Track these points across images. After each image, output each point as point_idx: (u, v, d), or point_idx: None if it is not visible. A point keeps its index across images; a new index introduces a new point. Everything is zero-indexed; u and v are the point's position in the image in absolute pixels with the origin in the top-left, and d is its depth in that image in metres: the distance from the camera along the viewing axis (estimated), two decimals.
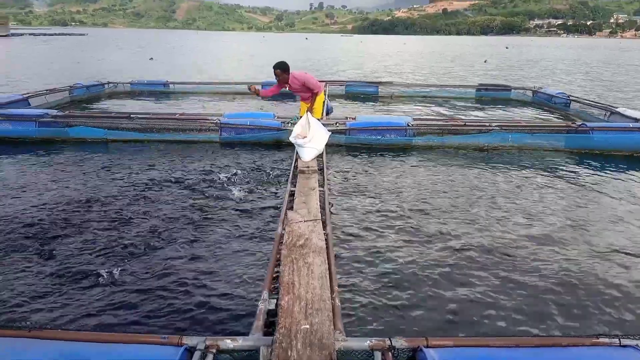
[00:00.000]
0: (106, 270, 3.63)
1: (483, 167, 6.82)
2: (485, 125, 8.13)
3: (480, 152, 7.67)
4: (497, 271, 3.77)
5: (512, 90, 14.50)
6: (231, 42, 78.84)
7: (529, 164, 7.03)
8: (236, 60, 34.80)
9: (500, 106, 13.13)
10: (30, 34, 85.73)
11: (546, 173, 6.59)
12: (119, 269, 3.66)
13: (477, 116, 11.52)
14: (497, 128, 7.94)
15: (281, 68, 6.31)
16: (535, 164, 7.08)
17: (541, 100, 13.05)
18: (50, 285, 3.43)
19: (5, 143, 7.75)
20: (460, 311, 3.23)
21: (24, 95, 10.39)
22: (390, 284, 3.54)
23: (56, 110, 8.94)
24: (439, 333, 2.96)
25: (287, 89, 7.19)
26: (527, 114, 11.84)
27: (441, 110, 12.46)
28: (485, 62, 33.60)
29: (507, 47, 64.43)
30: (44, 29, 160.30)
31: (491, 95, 14.63)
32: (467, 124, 8.31)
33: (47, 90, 11.44)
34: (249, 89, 7.32)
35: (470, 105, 13.50)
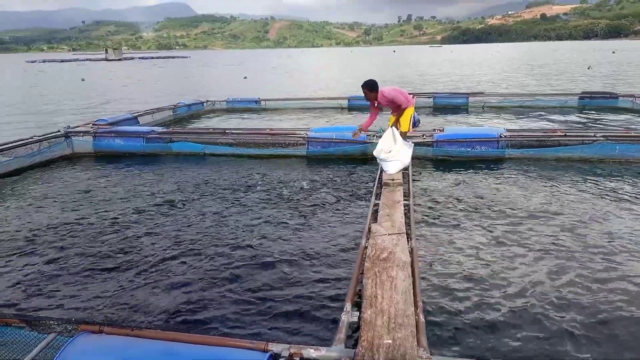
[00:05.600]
0: (196, 272, 3.88)
1: (586, 183, 6.28)
2: (588, 136, 7.51)
3: (582, 165, 7.09)
4: (600, 298, 3.44)
5: (620, 98, 13.29)
6: (319, 59, 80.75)
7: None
8: (324, 76, 35.55)
9: (606, 115, 12.07)
10: (139, 58, 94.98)
11: None
12: (209, 270, 3.90)
13: (580, 126, 10.68)
14: (603, 139, 7.30)
15: (368, 87, 6.05)
16: None
17: None
18: (148, 285, 3.73)
19: (117, 157, 8.66)
20: (555, 339, 2.99)
21: (134, 114, 11.58)
22: (478, 303, 3.38)
23: (161, 128, 9.81)
24: None
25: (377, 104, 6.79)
26: (638, 124, 10.77)
27: (539, 120, 11.74)
28: (588, 68, 31.08)
29: (613, 52, 59.03)
30: (151, 52, 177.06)
31: (596, 103, 13.50)
32: (567, 134, 7.74)
33: (153, 109, 12.65)
34: (353, 136, 7.46)
35: (572, 114, 12.54)
